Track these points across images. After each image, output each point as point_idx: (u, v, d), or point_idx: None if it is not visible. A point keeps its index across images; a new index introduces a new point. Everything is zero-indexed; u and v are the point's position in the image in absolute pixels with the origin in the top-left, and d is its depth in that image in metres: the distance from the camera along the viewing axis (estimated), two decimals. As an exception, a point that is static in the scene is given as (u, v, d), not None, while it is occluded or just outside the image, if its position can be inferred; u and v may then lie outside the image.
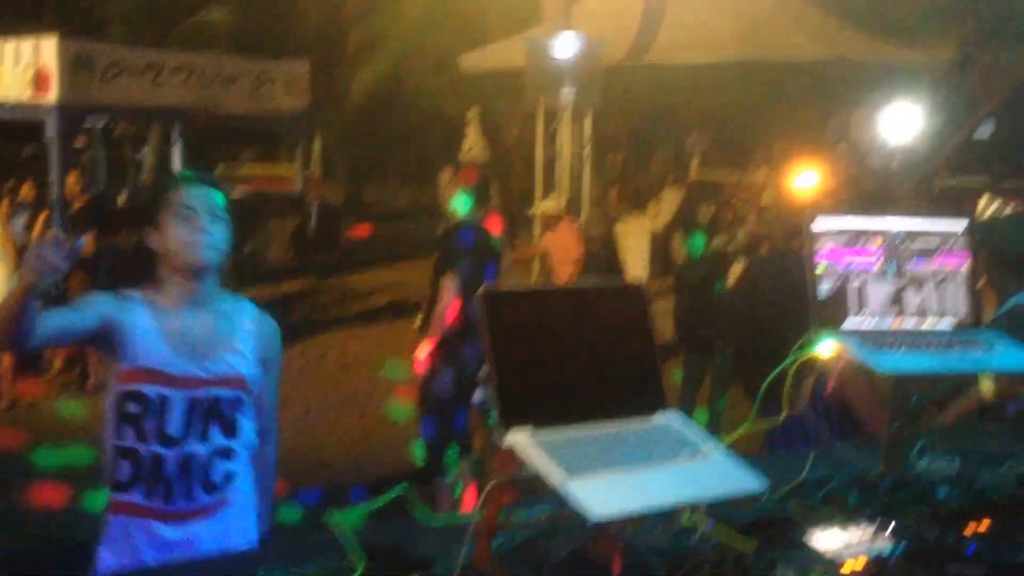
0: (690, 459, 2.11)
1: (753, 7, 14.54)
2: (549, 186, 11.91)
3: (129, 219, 10.42)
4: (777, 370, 2.59)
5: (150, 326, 2.96)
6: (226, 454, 3.01)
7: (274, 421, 3.27)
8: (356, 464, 7.86)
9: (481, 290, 2.11)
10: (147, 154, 18.92)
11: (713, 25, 14.00)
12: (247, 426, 3.08)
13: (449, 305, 5.97)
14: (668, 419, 2.24)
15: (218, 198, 3.04)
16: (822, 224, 2.69)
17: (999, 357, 2.61)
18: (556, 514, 2.30)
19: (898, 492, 2.60)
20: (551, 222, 9.94)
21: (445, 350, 6.05)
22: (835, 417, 3.29)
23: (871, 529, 2.31)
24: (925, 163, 20.81)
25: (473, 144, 15.78)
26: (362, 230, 18.85)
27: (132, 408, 2.91)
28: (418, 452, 6.32)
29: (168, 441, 2.92)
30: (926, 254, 2.74)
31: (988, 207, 13.72)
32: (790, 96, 16.64)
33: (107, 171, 17.69)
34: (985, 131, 24.32)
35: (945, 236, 2.76)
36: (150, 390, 2.91)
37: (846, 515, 2.43)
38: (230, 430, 3.01)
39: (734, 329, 7.44)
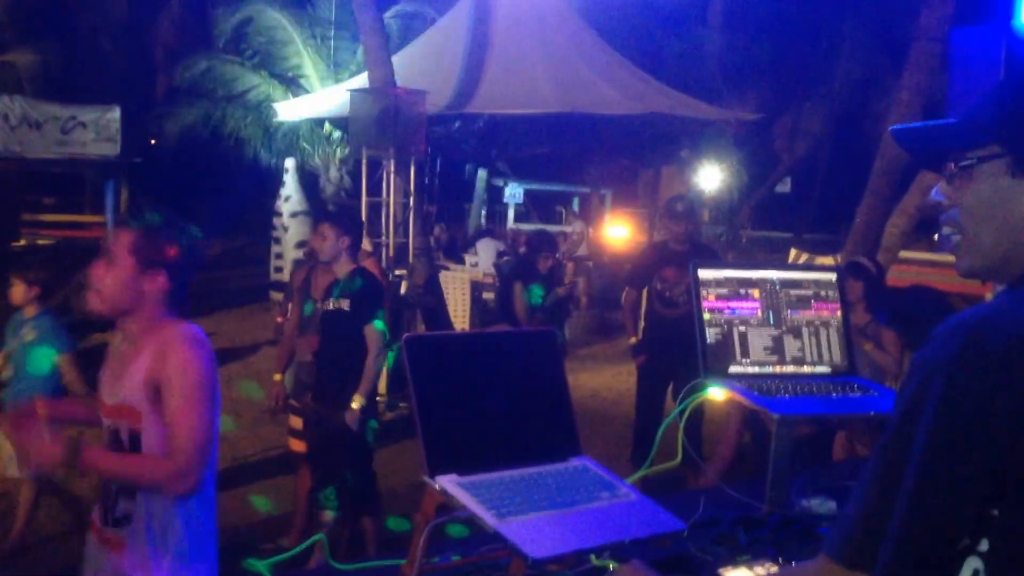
0: (611, 500, 2.16)
1: (569, 64, 14.94)
2: (375, 236, 11.88)
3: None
4: (673, 415, 2.67)
5: None
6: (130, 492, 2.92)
7: None
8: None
9: (405, 337, 2.12)
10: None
11: (532, 78, 14.30)
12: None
13: (381, 356, 5.69)
14: (583, 463, 2.29)
15: None
16: (704, 274, 2.80)
17: (875, 400, 2.76)
18: (471, 557, 2.32)
19: (783, 530, 2.70)
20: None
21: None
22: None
23: (776, 567, 2.39)
24: (732, 215, 21.78)
25: (291, 194, 15.61)
26: None
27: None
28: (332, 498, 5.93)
29: None
30: (803, 303, 2.88)
31: (798, 259, 14.45)
32: (605, 147, 17.13)
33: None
34: (785, 186, 25.71)
35: (819, 285, 2.91)
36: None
37: (744, 553, 2.52)
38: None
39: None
